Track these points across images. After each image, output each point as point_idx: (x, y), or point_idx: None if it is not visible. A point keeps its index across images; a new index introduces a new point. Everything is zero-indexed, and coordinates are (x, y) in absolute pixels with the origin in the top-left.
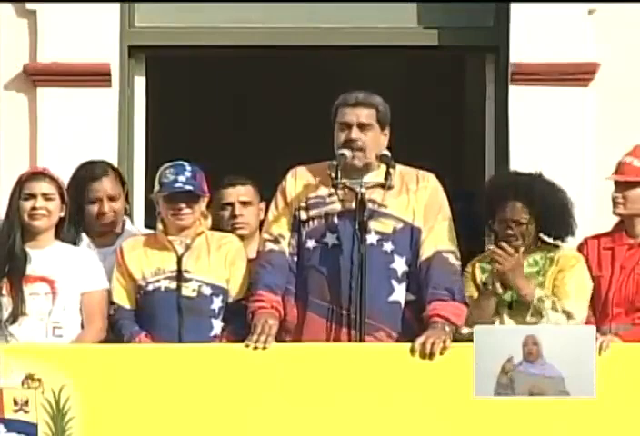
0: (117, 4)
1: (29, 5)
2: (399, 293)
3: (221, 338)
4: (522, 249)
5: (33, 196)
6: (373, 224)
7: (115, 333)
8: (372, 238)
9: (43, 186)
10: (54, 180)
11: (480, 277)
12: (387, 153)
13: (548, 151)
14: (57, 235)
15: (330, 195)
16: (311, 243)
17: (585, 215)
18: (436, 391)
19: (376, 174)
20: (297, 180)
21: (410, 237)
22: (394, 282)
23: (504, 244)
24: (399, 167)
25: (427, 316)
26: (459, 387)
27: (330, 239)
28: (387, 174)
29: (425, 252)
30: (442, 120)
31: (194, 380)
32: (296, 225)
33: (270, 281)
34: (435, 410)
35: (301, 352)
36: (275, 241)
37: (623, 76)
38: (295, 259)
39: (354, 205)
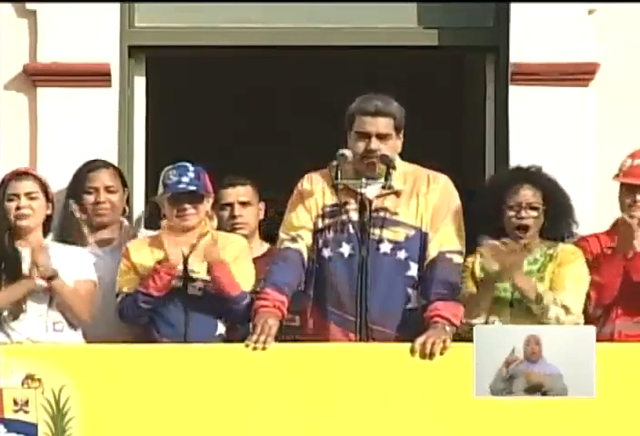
0: (117, 4)
1: (29, 5)
2: (415, 301)
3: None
4: (523, 242)
5: (16, 196)
6: (385, 233)
7: (129, 311)
8: (385, 247)
9: (26, 185)
10: (37, 178)
11: (479, 273)
12: (387, 153)
13: (548, 151)
14: (45, 233)
15: (345, 204)
16: (327, 253)
17: (585, 215)
18: (436, 391)
19: (394, 179)
20: (313, 186)
21: (420, 243)
22: (410, 290)
23: (505, 240)
24: (411, 167)
25: (428, 316)
26: (459, 387)
27: (345, 249)
28: (387, 175)
29: (431, 253)
30: (442, 120)
31: (193, 380)
32: (314, 233)
33: (279, 279)
34: (435, 410)
35: (301, 352)
36: (293, 240)
37: (623, 76)
38: (316, 266)
39: (366, 214)
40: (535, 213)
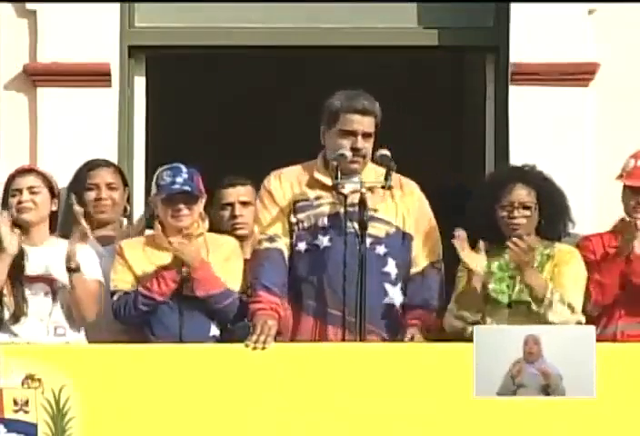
0: (117, 4)
1: (29, 5)
2: (393, 296)
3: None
4: (530, 237)
5: (19, 191)
6: None
7: (126, 311)
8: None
9: (28, 180)
10: (40, 174)
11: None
12: (387, 153)
13: (548, 151)
14: (52, 230)
15: (317, 198)
16: (302, 246)
17: (585, 215)
18: (436, 391)
19: (365, 176)
20: (282, 183)
21: (402, 242)
22: (387, 285)
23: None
24: (381, 167)
25: (408, 320)
26: (459, 387)
27: (321, 242)
28: (387, 175)
29: (420, 264)
30: (442, 120)
31: (193, 380)
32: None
33: (268, 281)
34: (435, 410)
35: (301, 352)
36: (271, 239)
37: (623, 76)
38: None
39: (343, 208)
40: (527, 213)
